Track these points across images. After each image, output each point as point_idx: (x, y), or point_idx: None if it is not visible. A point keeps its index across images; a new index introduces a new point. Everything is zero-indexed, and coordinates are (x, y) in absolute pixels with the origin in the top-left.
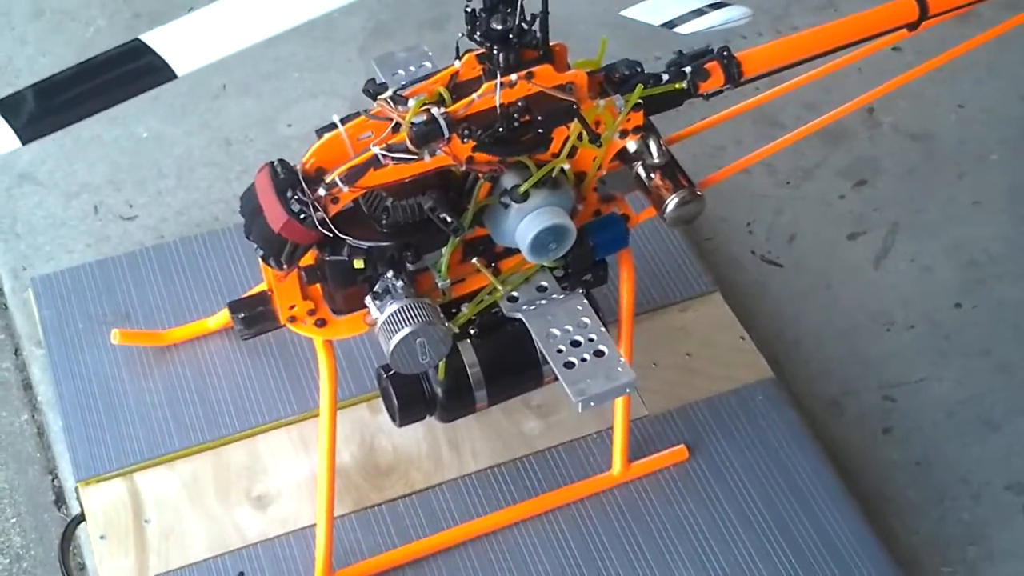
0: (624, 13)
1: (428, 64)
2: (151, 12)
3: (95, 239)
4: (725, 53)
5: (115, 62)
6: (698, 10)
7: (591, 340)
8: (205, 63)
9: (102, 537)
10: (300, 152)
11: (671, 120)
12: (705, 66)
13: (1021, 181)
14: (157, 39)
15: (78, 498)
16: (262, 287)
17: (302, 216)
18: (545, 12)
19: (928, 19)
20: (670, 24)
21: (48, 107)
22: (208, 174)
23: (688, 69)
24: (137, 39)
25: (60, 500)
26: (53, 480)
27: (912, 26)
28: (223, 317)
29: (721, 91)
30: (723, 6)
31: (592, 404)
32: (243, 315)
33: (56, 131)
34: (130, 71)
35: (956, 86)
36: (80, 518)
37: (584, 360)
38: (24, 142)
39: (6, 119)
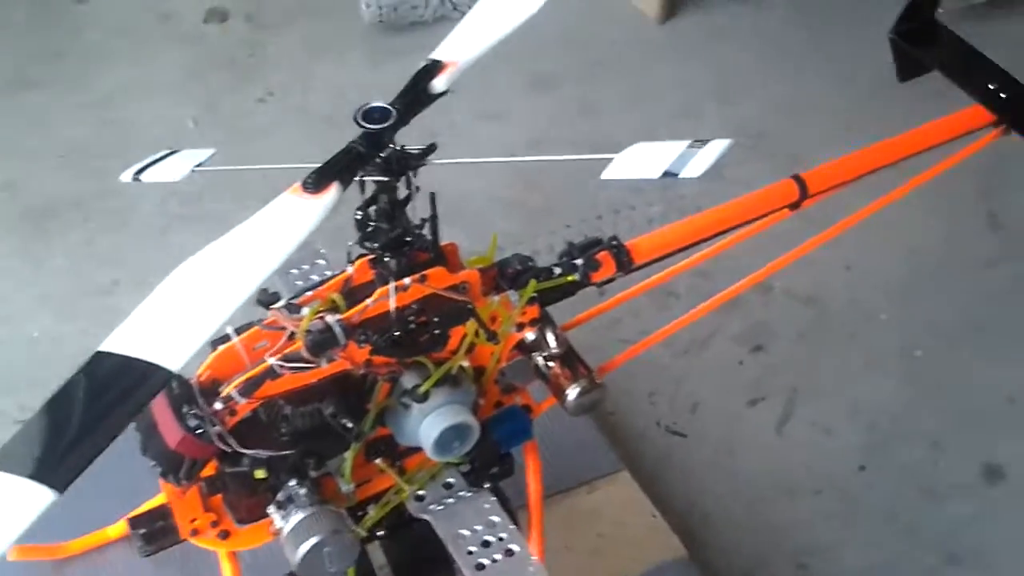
0: (608, 176)
1: (321, 262)
2: (37, 208)
3: None
4: (615, 243)
5: (96, 382)
6: (687, 152)
7: (501, 539)
8: (190, 351)
9: None
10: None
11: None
12: (596, 256)
13: (911, 340)
14: (118, 343)
15: None
16: (162, 498)
17: (199, 431)
18: (434, 216)
19: (809, 198)
20: (669, 173)
21: (63, 449)
22: None
23: (579, 261)
24: (98, 352)
25: None
26: None
27: (794, 206)
28: (124, 525)
29: (613, 279)
30: (706, 142)
31: None
32: (143, 531)
33: (84, 468)
34: (119, 384)
35: (842, 247)
36: None
37: (495, 561)
38: (60, 491)
39: (34, 479)
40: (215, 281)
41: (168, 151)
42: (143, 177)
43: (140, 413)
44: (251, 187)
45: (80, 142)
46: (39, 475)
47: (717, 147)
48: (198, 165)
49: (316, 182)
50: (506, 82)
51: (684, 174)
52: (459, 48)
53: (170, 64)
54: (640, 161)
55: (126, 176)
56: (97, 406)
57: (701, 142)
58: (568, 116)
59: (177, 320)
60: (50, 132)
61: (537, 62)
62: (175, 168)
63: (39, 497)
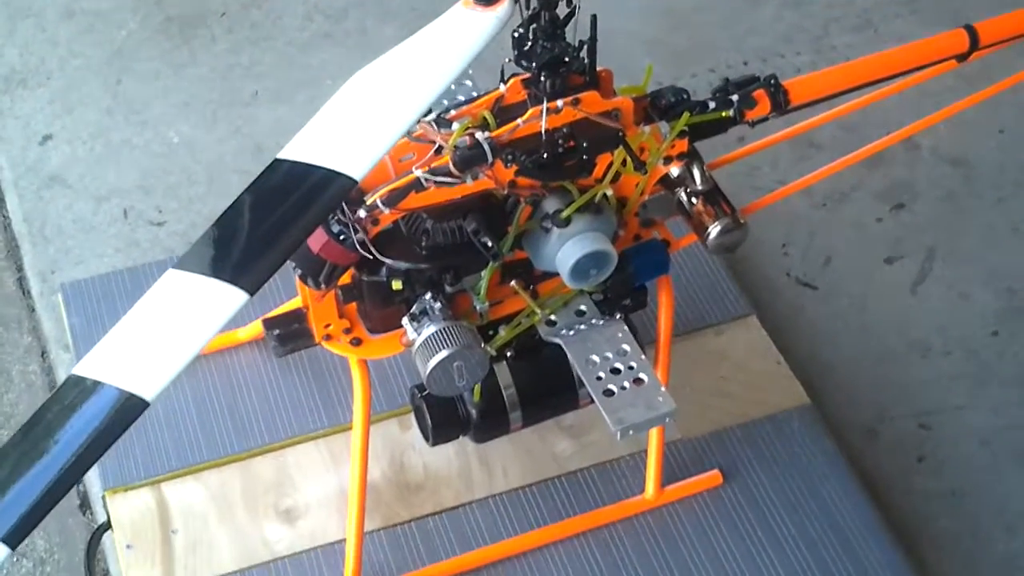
0: None
1: (468, 82)
2: (182, 16)
3: (124, 244)
4: (772, 81)
5: (279, 189)
6: None
7: (631, 368)
8: (372, 160)
9: (128, 546)
10: None
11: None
12: (752, 94)
13: None
14: (298, 151)
15: (105, 507)
16: (295, 302)
17: (342, 237)
18: (594, 39)
19: (978, 50)
20: None
21: (252, 253)
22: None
23: (735, 97)
24: (277, 159)
25: (85, 505)
26: (78, 485)
27: (962, 57)
28: (254, 328)
29: (766, 119)
30: None
31: (631, 433)
32: (278, 332)
33: (273, 272)
34: (302, 191)
35: (997, 110)
36: (106, 526)
37: (624, 388)
38: (251, 293)
39: (228, 281)
40: (393, 91)
41: None
42: None
43: (319, 221)
44: (394, 8)
45: None
46: (232, 278)
47: None
48: None
49: None
50: None
51: None
52: None
53: None
54: None
55: None
56: (282, 212)
57: None
58: None
59: (357, 129)
60: None
61: None
62: None
63: (233, 298)
